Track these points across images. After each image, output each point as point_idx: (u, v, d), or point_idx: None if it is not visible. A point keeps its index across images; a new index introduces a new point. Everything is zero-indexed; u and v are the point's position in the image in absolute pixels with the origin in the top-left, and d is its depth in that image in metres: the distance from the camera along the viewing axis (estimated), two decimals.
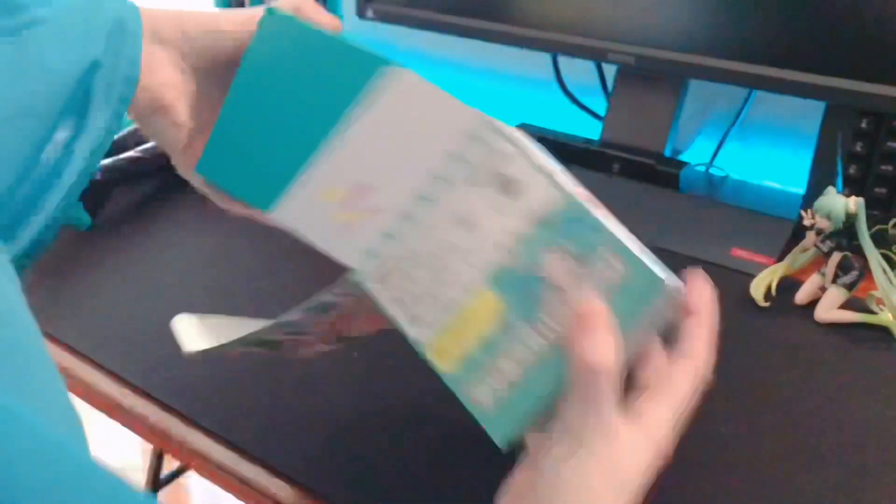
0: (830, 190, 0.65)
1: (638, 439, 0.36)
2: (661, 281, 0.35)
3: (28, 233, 0.40)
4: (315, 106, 0.44)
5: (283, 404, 0.58)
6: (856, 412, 0.57)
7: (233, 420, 0.57)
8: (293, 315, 0.43)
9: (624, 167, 0.88)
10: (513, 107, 1.13)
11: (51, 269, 0.75)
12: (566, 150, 0.92)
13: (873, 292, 0.66)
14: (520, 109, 1.12)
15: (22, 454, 0.24)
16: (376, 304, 0.39)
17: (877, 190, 0.76)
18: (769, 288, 0.69)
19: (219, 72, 0.48)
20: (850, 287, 0.65)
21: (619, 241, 0.35)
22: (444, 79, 1.19)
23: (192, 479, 1.53)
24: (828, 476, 0.51)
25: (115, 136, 0.92)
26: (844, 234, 0.65)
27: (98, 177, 0.83)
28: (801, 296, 0.69)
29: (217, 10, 0.47)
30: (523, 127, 0.97)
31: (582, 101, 1.02)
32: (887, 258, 0.66)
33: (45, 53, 0.39)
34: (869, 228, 0.64)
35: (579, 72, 1.00)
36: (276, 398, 0.59)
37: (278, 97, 0.46)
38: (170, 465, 1.34)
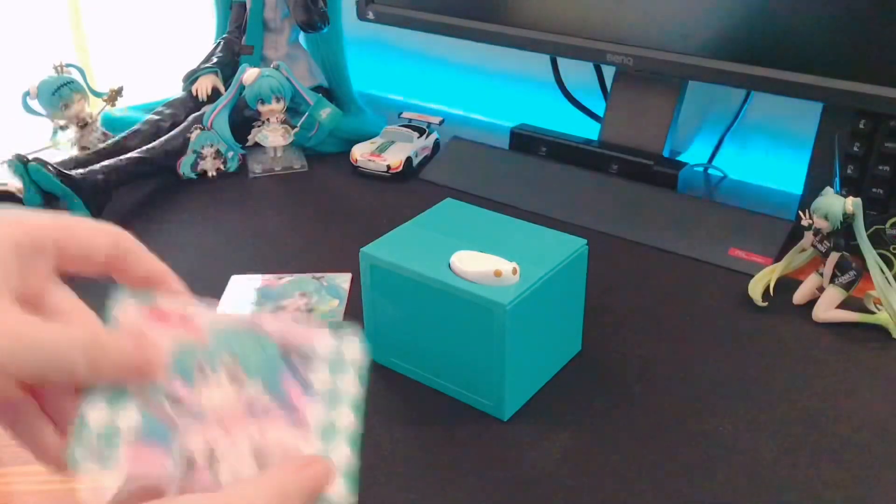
0: (828, 190, 0.66)
1: None
2: None
3: None
4: None
5: None
6: (854, 411, 0.57)
7: None
8: None
9: (622, 168, 0.89)
10: (512, 107, 1.13)
11: None
12: (565, 151, 0.93)
13: (871, 292, 0.66)
14: (519, 110, 1.12)
15: None
16: None
17: (874, 190, 0.76)
18: (767, 288, 0.70)
19: None
20: (847, 287, 0.66)
21: None
22: (444, 79, 1.20)
23: None
24: (827, 475, 0.52)
25: (116, 138, 0.93)
26: (842, 235, 0.65)
27: (100, 177, 0.83)
28: (799, 296, 0.69)
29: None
30: (523, 127, 0.98)
31: (581, 101, 1.02)
32: (885, 258, 0.66)
33: None
34: (866, 229, 0.65)
35: (578, 73, 1.00)
36: None
37: None
38: None
